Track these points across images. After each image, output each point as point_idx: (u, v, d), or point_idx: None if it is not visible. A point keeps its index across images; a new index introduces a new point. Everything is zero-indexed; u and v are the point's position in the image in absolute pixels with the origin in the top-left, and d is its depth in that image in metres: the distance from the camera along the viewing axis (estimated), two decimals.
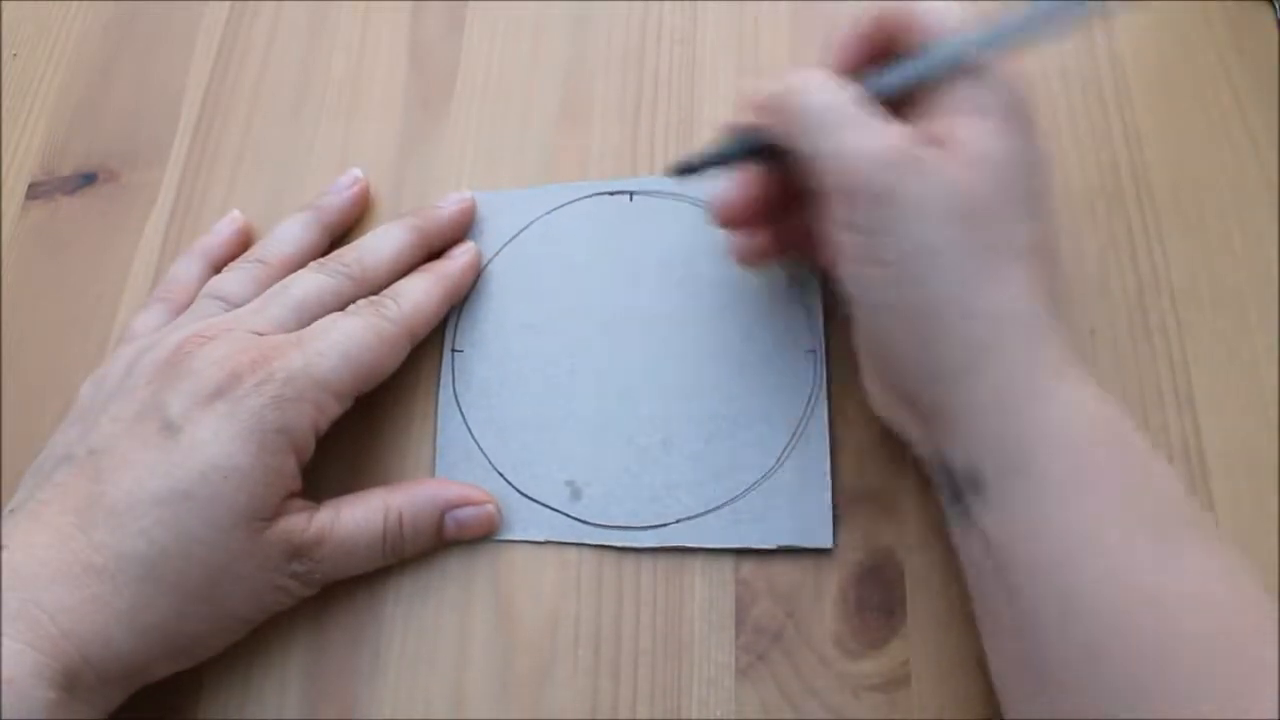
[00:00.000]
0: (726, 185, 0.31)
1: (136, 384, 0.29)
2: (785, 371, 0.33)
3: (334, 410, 0.30)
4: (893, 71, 0.28)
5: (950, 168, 0.26)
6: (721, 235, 0.32)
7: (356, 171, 0.36)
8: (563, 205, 0.36)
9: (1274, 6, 0.38)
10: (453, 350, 0.34)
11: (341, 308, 0.31)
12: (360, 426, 0.33)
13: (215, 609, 0.28)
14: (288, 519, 0.28)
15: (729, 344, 0.33)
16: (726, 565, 0.31)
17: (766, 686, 0.29)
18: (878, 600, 0.30)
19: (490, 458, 0.32)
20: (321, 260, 0.32)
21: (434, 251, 0.34)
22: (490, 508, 0.31)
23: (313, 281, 0.31)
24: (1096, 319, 0.34)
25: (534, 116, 0.38)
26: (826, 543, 0.30)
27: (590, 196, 0.36)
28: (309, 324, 0.30)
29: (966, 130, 0.27)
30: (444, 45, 0.39)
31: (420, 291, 0.32)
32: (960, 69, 0.27)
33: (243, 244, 0.35)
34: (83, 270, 0.36)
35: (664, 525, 0.31)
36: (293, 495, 0.29)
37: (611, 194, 0.36)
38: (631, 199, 0.36)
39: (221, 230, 0.35)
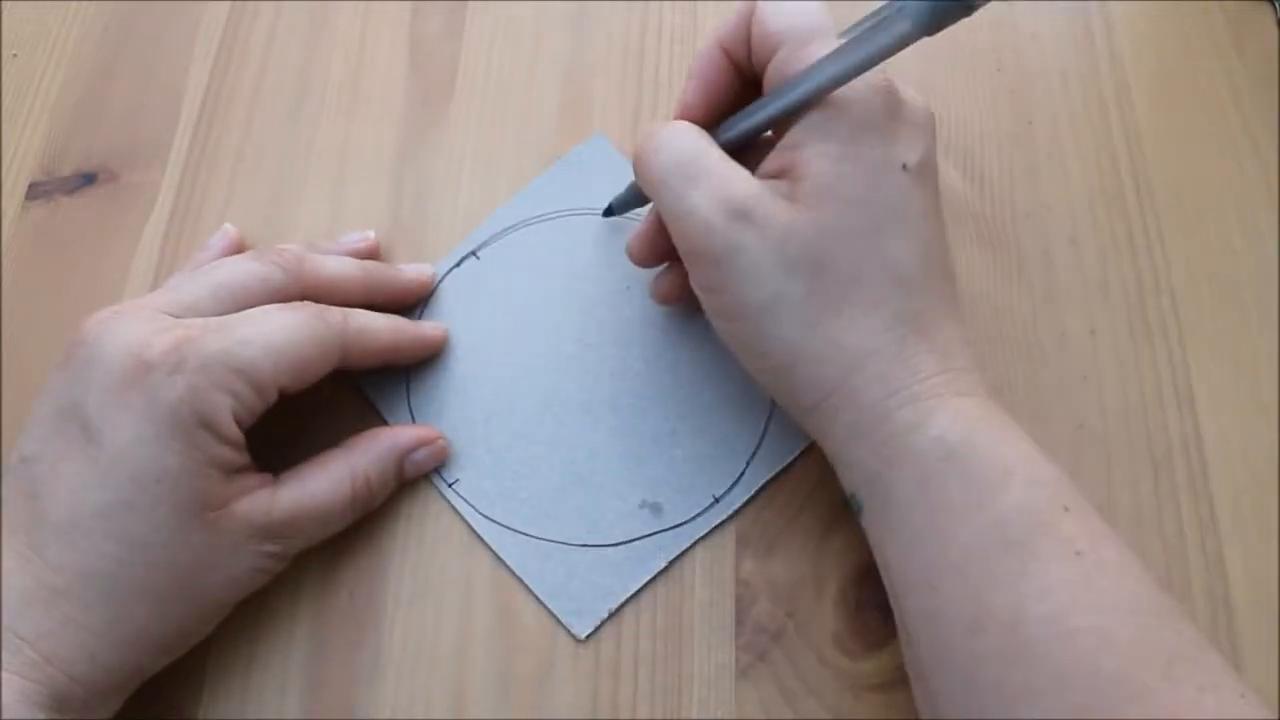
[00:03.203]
0: (638, 227, 0.32)
1: (51, 373, 0.28)
2: None
3: (253, 402, 0.28)
4: (747, 117, 0.29)
5: (785, 214, 0.26)
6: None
7: (369, 232, 0.35)
8: (431, 294, 0.35)
9: (1274, 6, 0.38)
10: (450, 486, 0.32)
11: (270, 296, 0.30)
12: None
13: (195, 604, 0.27)
14: (246, 500, 0.28)
15: (659, 315, 0.34)
16: (727, 565, 0.31)
17: (766, 686, 0.29)
18: (878, 600, 0.30)
19: (567, 540, 0.31)
20: (260, 250, 0.32)
21: (375, 305, 0.33)
22: (442, 442, 0.32)
23: (240, 265, 0.30)
24: (1096, 319, 0.34)
25: (534, 116, 0.38)
26: None
27: (446, 275, 0.35)
28: (229, 307, 0.29)
29: (809, 162, 0.26)
30: (444, 45, 0.39)
31: (371, 318, 0.31)
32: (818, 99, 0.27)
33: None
34: (83, 270, 0.36)
35: (735, 484, 0.32)
36: (240, 471, 0.28)
37: (459, 263, 0.35)
38: (478, 256, 0.35)
39: (215, 245, 0.34)
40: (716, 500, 0.32)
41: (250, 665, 0.30)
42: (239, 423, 0.28)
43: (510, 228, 0.36)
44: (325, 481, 0.29)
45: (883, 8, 0.24)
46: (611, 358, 0.34)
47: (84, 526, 0.26)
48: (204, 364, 0.27)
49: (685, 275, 0.30)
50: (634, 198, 0.34)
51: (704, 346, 0.33)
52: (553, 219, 0.36)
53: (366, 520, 0.31)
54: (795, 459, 0.32)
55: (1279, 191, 0.35)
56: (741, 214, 0.26)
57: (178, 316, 0.28)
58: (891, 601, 0.27)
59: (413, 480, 0.32)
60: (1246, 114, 0.37)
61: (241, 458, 0.28)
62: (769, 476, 0.32)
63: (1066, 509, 0.24)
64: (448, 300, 0.35)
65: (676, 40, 0.39)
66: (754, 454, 0.32)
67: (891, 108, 0.27)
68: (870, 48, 0.25)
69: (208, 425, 0.27)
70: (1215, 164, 0.36)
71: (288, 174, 0.37)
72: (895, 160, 0.27)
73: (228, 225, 0.35)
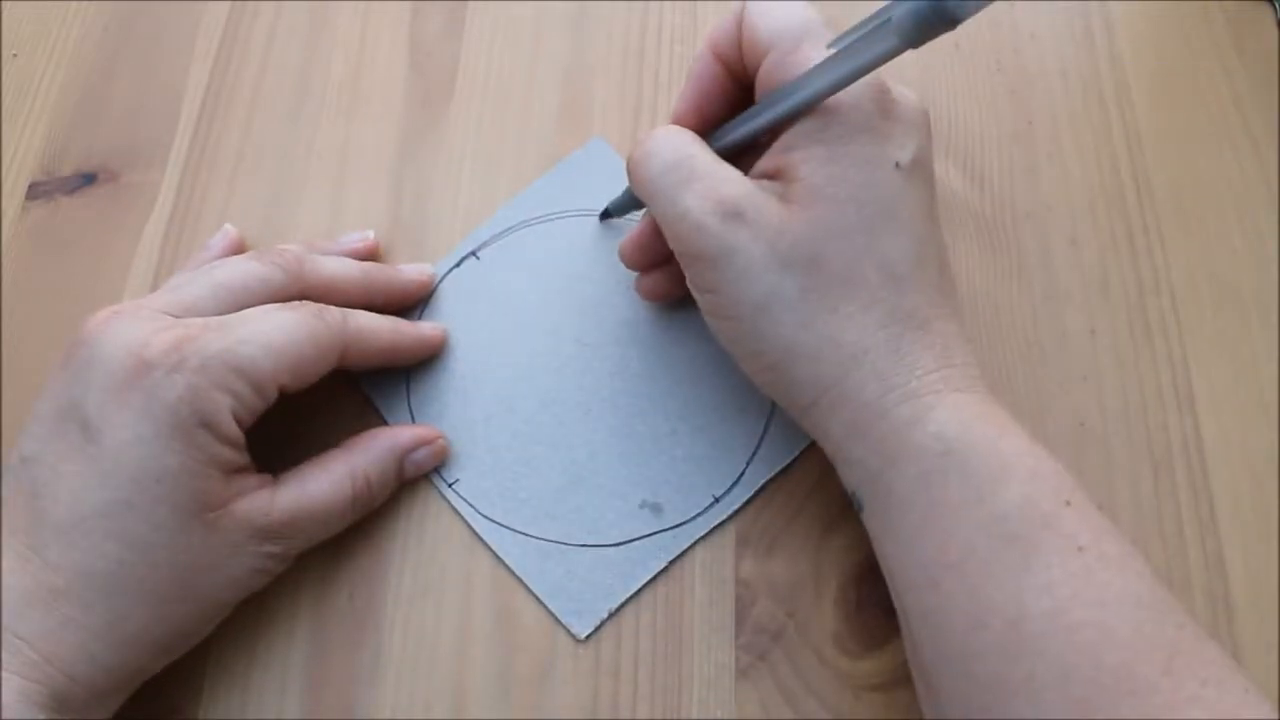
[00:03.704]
0: (631, 231, 0.32)
1: (51, 374, 0.28)
2: None
3: (253, 402, 0.28)
4: (738, 125, 0.29)
5: (777, 213, 0.26)
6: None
7: (369, 232, 0.35)
8: (431, 294, 0.35)
9: (1274, 6, 0.38)
10: (450, 486, 0.32)
11: (269, 297, 0.30)
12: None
13: (195, 604, 0.27)
14: (246, 500, 0.28)
15: (659, 316, 0.34)
16: (727, 565, 0.31)
17: (766, 686, 0.29)
18: (878, 600, 0.30)
19: (566, 540, 0.31)
20: (260, 250, 0.32)
21: (374, 305, 0.32)
22: (442, 442, 0.32)
23: (240, 266, 0.30)
24: (1096, 319, 0.34)
25: (534, 116, 0.38)
26: None
27: (446, 275, 0.35)
28: (228, 307, 0.29)
29: (801, 163, 0.27)
30: (444, 45, 0.39)
31: (370, 318, 0.31)
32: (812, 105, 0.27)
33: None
34: (83, 270, 0.36)
35: (734, 485, 0.32)
36: (240, 471, 0.28)
37: (459, 263, 0.35)
38: (478, 257, 0.35)
39: (215, 245, 0.34)
40: (716, 500, 0.32)
41: (250, 665, 0.30)
42: (239, 422, 0.28)
43: (510, 228, 0.36)
44: (325, 481, 0.29)
45: (868, 20, 0.25)
46: (611, 358, 0.34)
47: (84, 526, 0.26)
48: (204, 363, 0.27)
49: (672, 273, 0.31)
50: (631, 201, 0.34)
51: (704, 346, 0.33)
52: (553, 220, 0.36)
53: (366, 520, 0.31)
54: (795, 459, 0.32)
55: (1279, 191, 0.35)
56: (734, 214, 0.26)
57: (178, 316, 0.28)
58: (893, 598, 0.27)
59: (413, 480, 0.32)
60: (1246, 114, 0.37)
61: (241, 458, 0.28)
62: (769, 476, 0.32)
63: (1068, 503, 0.24)
64: (448, 300, 0.35)
65: (676, 40, 0.39)
66: (754, 454, 0.32)
67: (884, 107, 0.27)
68: (857, 61, 0.25)
69: (208, 425, 0.27)
70: (1215, 164, 0.36)
71: (288, 174, 0.37)
72: (887, 159, 0.27)
73: (228, 225, 0.35)
